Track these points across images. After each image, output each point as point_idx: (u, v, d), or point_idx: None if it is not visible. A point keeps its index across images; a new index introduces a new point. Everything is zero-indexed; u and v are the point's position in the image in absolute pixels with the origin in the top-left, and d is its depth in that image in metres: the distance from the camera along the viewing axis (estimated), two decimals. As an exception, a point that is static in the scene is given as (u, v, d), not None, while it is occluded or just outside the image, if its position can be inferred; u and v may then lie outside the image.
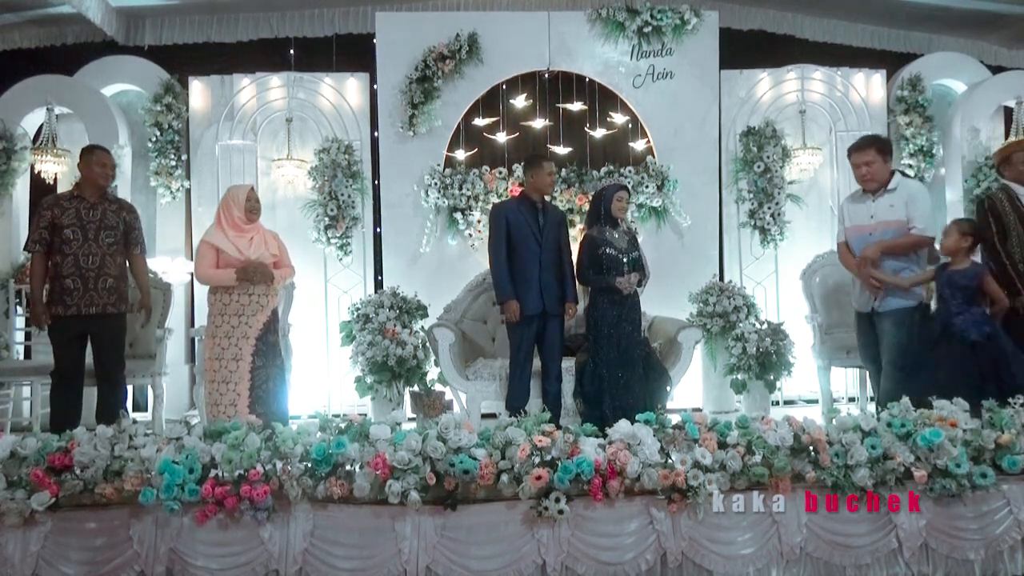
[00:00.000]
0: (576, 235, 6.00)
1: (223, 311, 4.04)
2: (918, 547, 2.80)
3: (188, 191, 6.30)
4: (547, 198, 4.70)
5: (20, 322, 5.90)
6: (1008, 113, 6.65)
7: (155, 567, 2.65)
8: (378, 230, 6.22)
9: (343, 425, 2.90)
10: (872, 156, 4.18)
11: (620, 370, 4.33)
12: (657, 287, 5.12)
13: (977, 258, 4.16)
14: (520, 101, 6.24)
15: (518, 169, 6.07)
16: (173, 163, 6.21)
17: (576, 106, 6.26)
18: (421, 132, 6.08)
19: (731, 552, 2.75)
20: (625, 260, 4.38)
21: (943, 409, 3.05)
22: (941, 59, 6.79)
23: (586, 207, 6.03)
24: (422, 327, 5.50)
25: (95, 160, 4.29)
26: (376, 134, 6.22)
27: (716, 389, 5.86)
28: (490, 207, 5.97)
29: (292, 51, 6.53)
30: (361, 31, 6.55)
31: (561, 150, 6.25)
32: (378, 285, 6.17)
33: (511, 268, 4.43)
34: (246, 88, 6.27)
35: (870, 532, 2.80)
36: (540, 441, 2.76)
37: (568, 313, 4.54)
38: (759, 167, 6.25)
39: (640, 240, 4.79)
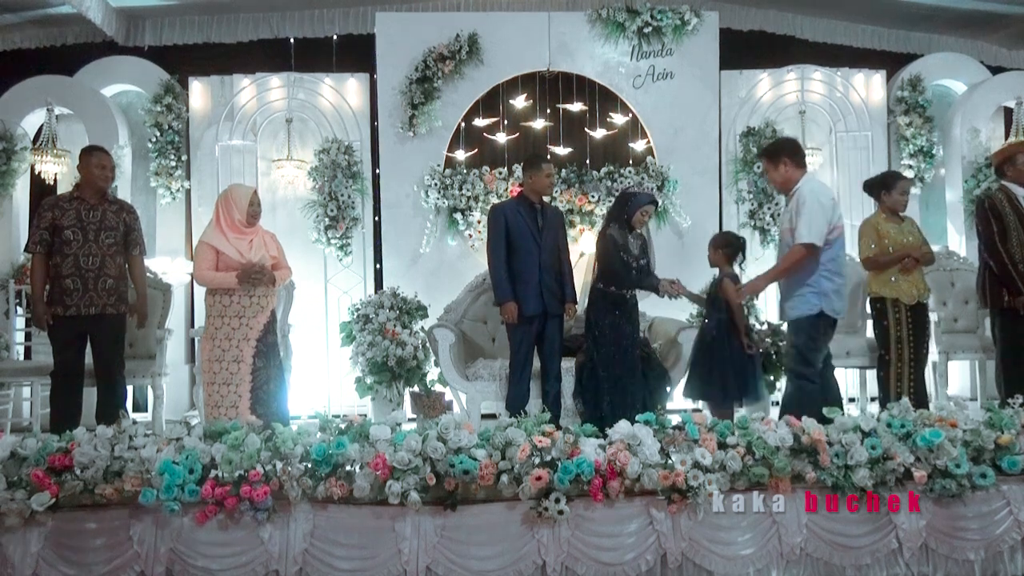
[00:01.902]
0: (575, 235, 6.01)
1: (223, 313, 4.03)
2: (918, 547, 2.80)
3: (188, 192, 6.30)
4: (546, 199, 4.69)
5: (20, 322, 5.90)
6: (1008, 113, 6.65)
7: (155, 567, 2.65)
8: (378, 231, 6.23)
9: (343, 426, 2.90)
10: (765, 164, 4.18)
11: (619, 370, 4.32)
12: (657, 287, 5.12)
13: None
14: (520, 101, 6.24)
15: (518, 169, 6.07)
16: (173, 163, 6.21)
17: (576, 106, 6.26)
18: (421, 132, 6.09)
19: (731, 552, 2.75)
20: (635, 266, 4.37)
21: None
22: (941, 59, 6.79)
23: (587, 207, 6.06)
24: (422, 327, 5.50)
25: (94, 161, 4.29)
26: (376, 135, 6.22)
27: (716, 389, 5.84)
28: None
29: (292, 51, 6.53)
30: (361, 31, 6.55)
31: (561, 150, 6.25)
32: (378, 285, 6.17)
33: (510, 269, 4.43)
34: (246, 88, 6.27)
35: (870, 532, 2.80)
36: (540, 441, 2.76)
37: (568, 313, 4.54)
38: (759, 167, 6.24)
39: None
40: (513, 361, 4.47)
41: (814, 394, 3.88)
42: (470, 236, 6.10)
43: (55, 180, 6.06)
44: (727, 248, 4.39)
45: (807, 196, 3.90)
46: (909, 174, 6.23)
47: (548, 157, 5.27)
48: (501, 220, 4.47)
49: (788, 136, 4.27)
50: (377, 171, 6.22)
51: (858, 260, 4.73)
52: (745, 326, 4.41)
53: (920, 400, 4.27)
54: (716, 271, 4.56)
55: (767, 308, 6.22)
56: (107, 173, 4.34)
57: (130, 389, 5.05)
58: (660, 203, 6.12)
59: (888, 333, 4.42)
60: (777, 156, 4.06)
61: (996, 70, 6.85)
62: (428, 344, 5.20)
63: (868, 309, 4.88)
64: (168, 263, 6.03)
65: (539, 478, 2.68)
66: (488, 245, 4.55)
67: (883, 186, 4.59)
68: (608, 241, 4.36)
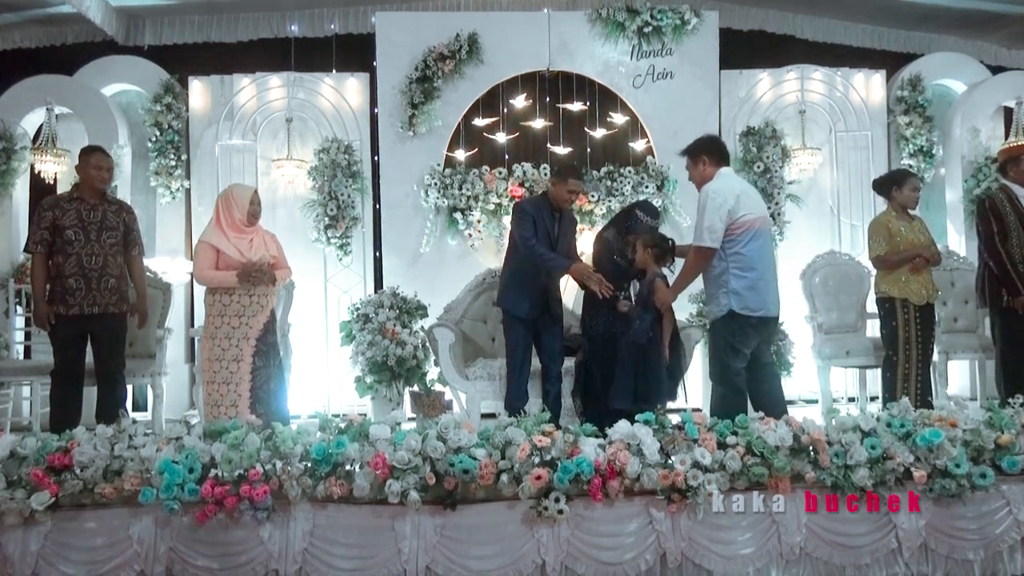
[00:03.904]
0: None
1: (223, 312, 4.03)
2: (917, 547, 2.80)
3: (188, 191, 6.30)
4: None
5: (20, 322, 5.90)
6: (1008, 113, 6.65)
7: (155, 567, 2.66)
8: (378, 230, 6.22)
9: (343, 425, 2.90)
10: (687, 163, 4.12)
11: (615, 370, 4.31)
12: (657, 287, 5.11)
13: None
14: (520, 101, 6.24)
15: (518, 169, 6.08)
16: (173, 163, 6.21)
17: (576, 106, 6.26)
18: (421, 132, 6.09)
19: (731, 552, 2.75)
20: (628, 275, 4.35)
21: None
22: (941, 59, 6.79)
23: (586, 207, 6.06)
24: (422, 327, 5.50)
25: (92, 162, 4.30)
26: (376, 134, 6.22)
27: (716, 389, 5.84)
28: (490, 207, 6.01)
29: (292, 51, 6.53)
30: (361, 31, 6.56)
31: (561, 150, 6.25)
32: (378, 285, 6.17)
33: (521, 270, 4.40)
34: (246, 88, 6.27)
35: (870, 532, 2.80)
36: (540, 441, 2.76)
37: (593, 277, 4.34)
38: (759, 167, 6.25)
39: None
40: (510, 361, 4.47)
41: (735, 399, 3.74)
42: (470, 236, 6.10)
43: (55, 180, 6.05)
44: (655, 248, 4.25)
45: (703, 197, 3.86)
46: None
47: (582, 173, 4.84)
48: (529, 216, 4.39)
49: (708, 134, 4.19)
50: (377, 171, 6.22)
51: (868, 259, 4.73)
52: (673, 332, 4.23)
53: (925, 400, 4.26)
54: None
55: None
56: (103, 174, 4.33)
57: (130, 388, 5.06)
58: (661, 203, 6.12)
59: (896, 334, 4.40)
60: (697, 155, 4.02)
61: (996, 70, 6.85)
62: (428, 343, 5.20)
63: (871, 309, 4.88)
64: (168, 262, 6.03)
65: (539, 477, 2.68)
66: (519, 234, 4.38)
67: (893, 183, 4.56)
68: (602, 243, 4.42)
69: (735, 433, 2.90)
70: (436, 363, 5.12)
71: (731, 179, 3.96)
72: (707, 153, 3.99)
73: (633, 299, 4.31)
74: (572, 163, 5.70)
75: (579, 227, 6.02)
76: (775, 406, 3.78)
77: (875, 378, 4.82)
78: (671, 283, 4.15)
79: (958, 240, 6.45)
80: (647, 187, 6.07)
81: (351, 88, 6.35)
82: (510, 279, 4.49)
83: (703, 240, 3.80)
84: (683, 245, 4.35)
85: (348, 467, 2.77)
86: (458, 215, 6.07)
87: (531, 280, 4.39)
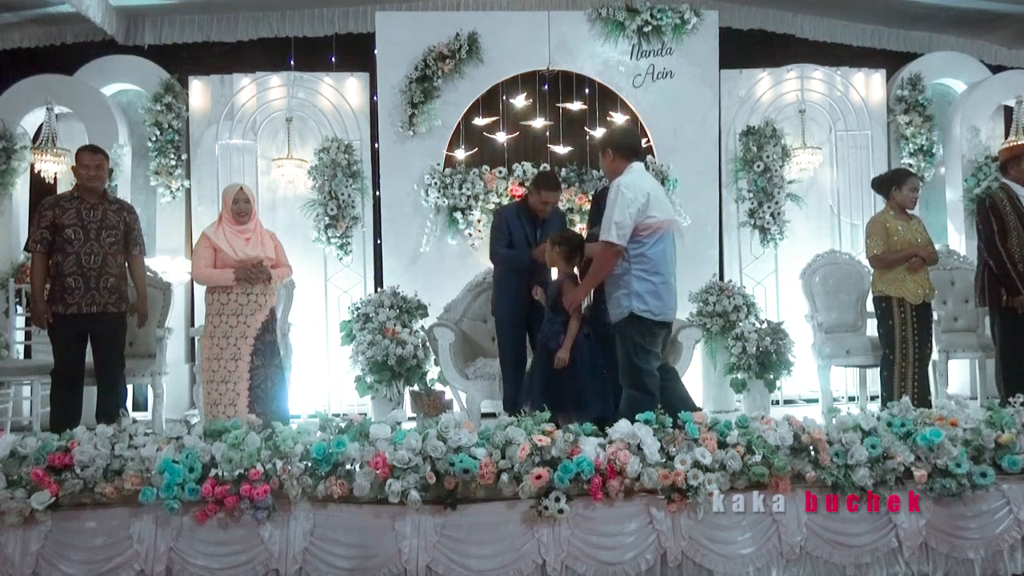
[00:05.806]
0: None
1: (221, 311, 4.05)
2: (918, 546, 2.80)
3: (188, 191, 6.30)
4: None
5: (20, 321, 5.89)
6: (1008, 112, 6.65)
7: (155, 566, 2.66)
8: (378, 230, 6.23)
9: (343, 424, 2.90)
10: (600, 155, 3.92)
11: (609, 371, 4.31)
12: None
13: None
14: (520, 101, 6.24)
15: (518, 168, 6.09)
16: (173, 163, 6.21)
17: (576, 106, 6.26)
18: (421, 132, 6.08)
19: (731, 551, 2.75)
20: None
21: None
22: (941, 58, 6.79)
23: (586, 207, 6.05)
24: (422, 326, 5.50)
25: (80, 161, 4.31)
26: (376, 134, 6.22)
27: (716, 389, 5.85)
28: (491, 207, 6.01)
29: (292, 51, 6.53)
30: (361, 31, 6.55)
31: (561, 149, 6.25)
32: (378, 284, 6.17)
33: (503, 271, 4.52)
34: (246, 88, 6.27)
35: (870, 531, 2.80)
36: (540, 440, 2.77)
37: (535, 293, 4.35)
38: (759, 166, 6.25)
39: None
40: (503, 361, 4.51)
41: (647, 403, 3.45)
42: (470, 235, 6.10)
43: (55, 179, 6.05)
44: (563, 245, 4.06)
45: (615, 192, 3.60)
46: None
47: (557, 183, 4.80)
48: (504, 224, 4.57)
49: (621, 125, 4.01)
50: (377, 170, 6.22)
51: (865, 258, 4.72)
52: (576, 335, 3.96)
53: (923, 399, 4.27)
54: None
55: (767, 307, 6.22)
56: (91, 172, 4.29)
57: (130, 388, 5.06)
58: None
59: (893, 333, 4.41)
60: (605, 147, 3.83)
61: (996, 69, 6.84)
62: (428, 343, 5.21)
63: (871, 308, 4.88)
64: (168, 262, 6.03)
65: (539, 477, 2.68)
66: (491, 240, 4.65)
67: (893, 183, 4.58)
68: (588, 239, 4.42)
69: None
70: (436, 362, 5.13)
71: (643, 176, 3.73)
72: (614, 146, 3.78)
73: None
74: (548, 173, 5.64)
75: (579, 227, 6.04)
76: (684, 403, 3.69)
77: (875, 377, 4.82)
78: (577, 281, 3.97)
79: (958, 239, 6.45)
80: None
81: (351, 87, 6.34)
82: (500, 287, 4.61)
83: (611, 236, 3.55)
84: (591, 244, 3.99)
85: (348, 467, 2.77)
86: (458, 215, 6.07)
87: (521, 281, 4.44)
